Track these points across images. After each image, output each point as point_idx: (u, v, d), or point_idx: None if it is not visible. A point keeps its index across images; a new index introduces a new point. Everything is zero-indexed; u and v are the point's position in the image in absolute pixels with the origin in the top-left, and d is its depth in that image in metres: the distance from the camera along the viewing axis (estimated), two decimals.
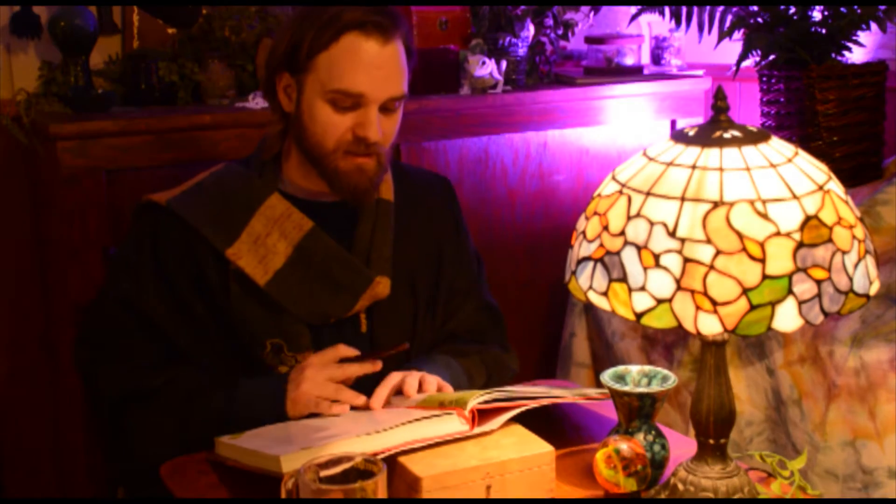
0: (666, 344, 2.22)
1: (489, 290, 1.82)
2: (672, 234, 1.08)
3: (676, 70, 2.76)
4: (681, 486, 1.22)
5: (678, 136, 1.18)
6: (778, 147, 1.15)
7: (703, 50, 2.63)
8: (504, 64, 2.43)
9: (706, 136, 1.15)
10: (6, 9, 2.25)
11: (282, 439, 1.35)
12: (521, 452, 1.28)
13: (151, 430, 1.54)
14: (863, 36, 2.31)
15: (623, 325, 2.32)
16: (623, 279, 1.10)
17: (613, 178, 1.19)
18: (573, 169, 2.55)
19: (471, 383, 1.66)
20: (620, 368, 1.37)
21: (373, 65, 1.53)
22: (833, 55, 2.29)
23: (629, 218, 1.11)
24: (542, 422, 1.40)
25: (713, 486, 1.20)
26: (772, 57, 2.34)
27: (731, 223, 1.06)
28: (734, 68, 2.36)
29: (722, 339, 1.19)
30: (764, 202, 1.07)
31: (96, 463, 2.10)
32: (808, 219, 1.08)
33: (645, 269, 1.09)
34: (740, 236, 1.06)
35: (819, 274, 1.07)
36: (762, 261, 1.06)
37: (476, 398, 1.35)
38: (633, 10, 2.49)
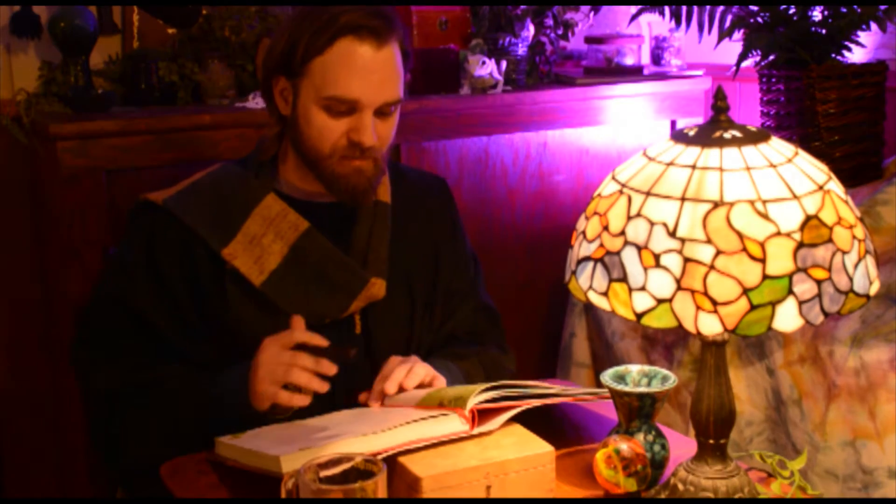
0: (666, 344, 2.22)
1: (486, 291, 1.82)
2: (672, 234, 1.08)
3: (676, 70, 2.75)
4: (681, 486, 1.22)
5: (678, 136, 1.18)
6: (778, 147, 1.15)
7: (703, 50, 2.63)
8: (504, 64, 2.43)
9: (706, 136, 1.15)
10: (6, 9, 2.25)
11: (282, 439, 1.35)
12: (521, 452, 1.28)
13: (136, 429, 1.53)
14: (863, 36, 2.31)
15: (623, 325, 2.31)
16: (623, 279, 1.10)
17: (613, 178, 1.19)
18: (573, 169, 2.55)
19: None
20: (620, 368, 1.37)
21: (367, 70, 1.52)
22: (833, 55, 2.29)
23: (629, 218, 1.11)
24: (542, 422, 1.40)
25: (713, 486, 1.20)
26: (772, 57, 2.34)
27: (732, 223, 1.06)
28: (734, 68, 2.36)
29: (722, 339, 1.19)
30: (764, 202, 1.07)
31: (97, 463, 2.10)
32: (808, 219, 1.08)
33: (645, 269, 1.09)
34: (740, 236, 1.06)
35: (819, 274, 1.07)
36: (762, 261, 1.06)
37: (476, 394, 1.35)
38: (633, 10, 2.49)
